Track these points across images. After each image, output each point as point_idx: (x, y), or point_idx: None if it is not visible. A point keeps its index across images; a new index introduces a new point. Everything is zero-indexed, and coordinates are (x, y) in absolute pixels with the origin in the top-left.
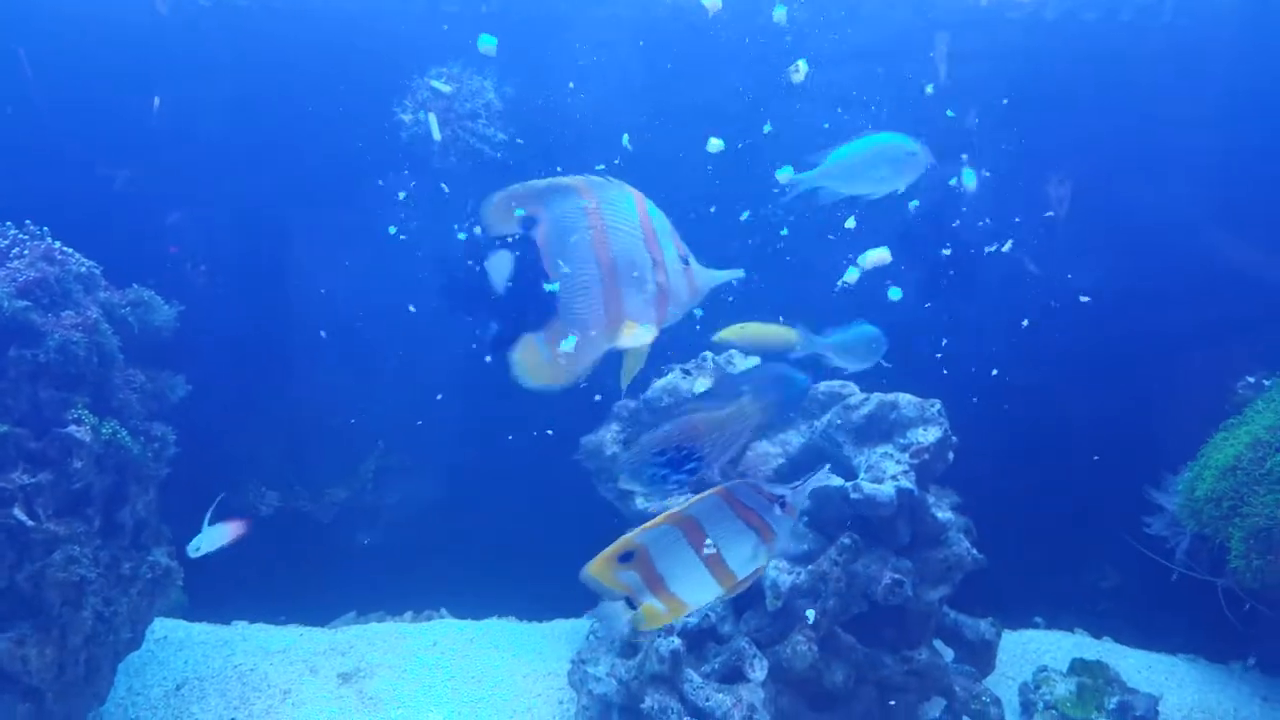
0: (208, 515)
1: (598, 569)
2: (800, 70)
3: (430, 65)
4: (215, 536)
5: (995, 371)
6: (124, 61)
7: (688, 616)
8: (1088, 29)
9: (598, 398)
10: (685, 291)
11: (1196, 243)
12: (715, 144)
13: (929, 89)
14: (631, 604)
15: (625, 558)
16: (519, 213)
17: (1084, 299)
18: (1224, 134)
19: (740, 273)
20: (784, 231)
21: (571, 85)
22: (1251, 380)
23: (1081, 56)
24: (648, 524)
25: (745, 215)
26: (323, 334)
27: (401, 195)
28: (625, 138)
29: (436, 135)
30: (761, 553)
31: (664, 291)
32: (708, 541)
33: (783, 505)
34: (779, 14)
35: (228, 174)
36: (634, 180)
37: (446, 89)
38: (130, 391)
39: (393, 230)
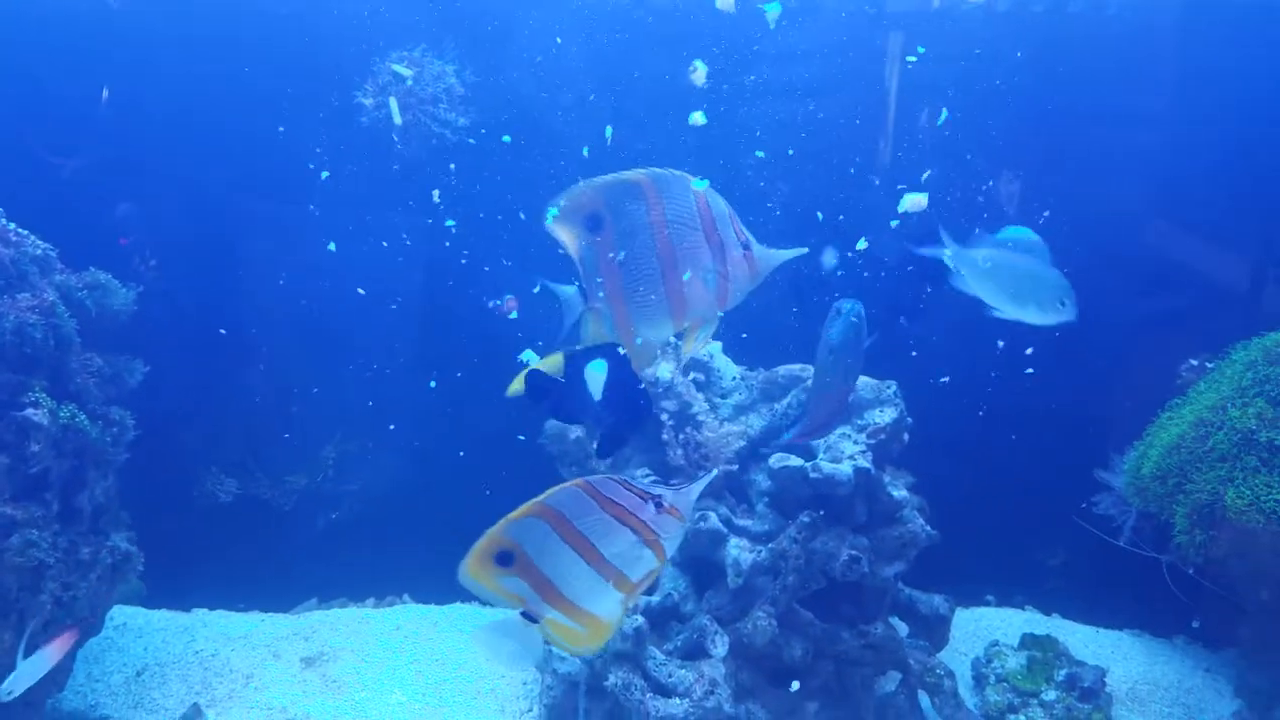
0: (21, 645)
1: (476, 572)
2: (699, 71)
3: (391, 49)
4: (35, 668)
5: (949, 354)
6: (81, 45)
7: (648, 598)
8: (1037, 20)
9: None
10: (745, 276)
11: (1141, 233)
12: (697, 118)
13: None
14: (530, 617)
15: (504, 560)
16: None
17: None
18: (1167, 126)
19: (803, 250)
20: None
21: (535, 68)
22: (1195, 363)
23: (1029, 49)
24: (510, 516)
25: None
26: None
27: (324, 175)
28: (608, 130)
29: (398, 119)
30: (647, 555)
31: (725, 280)
32: (580, 533)
33: (659, 505)
34: (772, 12)
35: (184, 161)
36: (599, 166)
37: (407, 73)
38: (88, 375)
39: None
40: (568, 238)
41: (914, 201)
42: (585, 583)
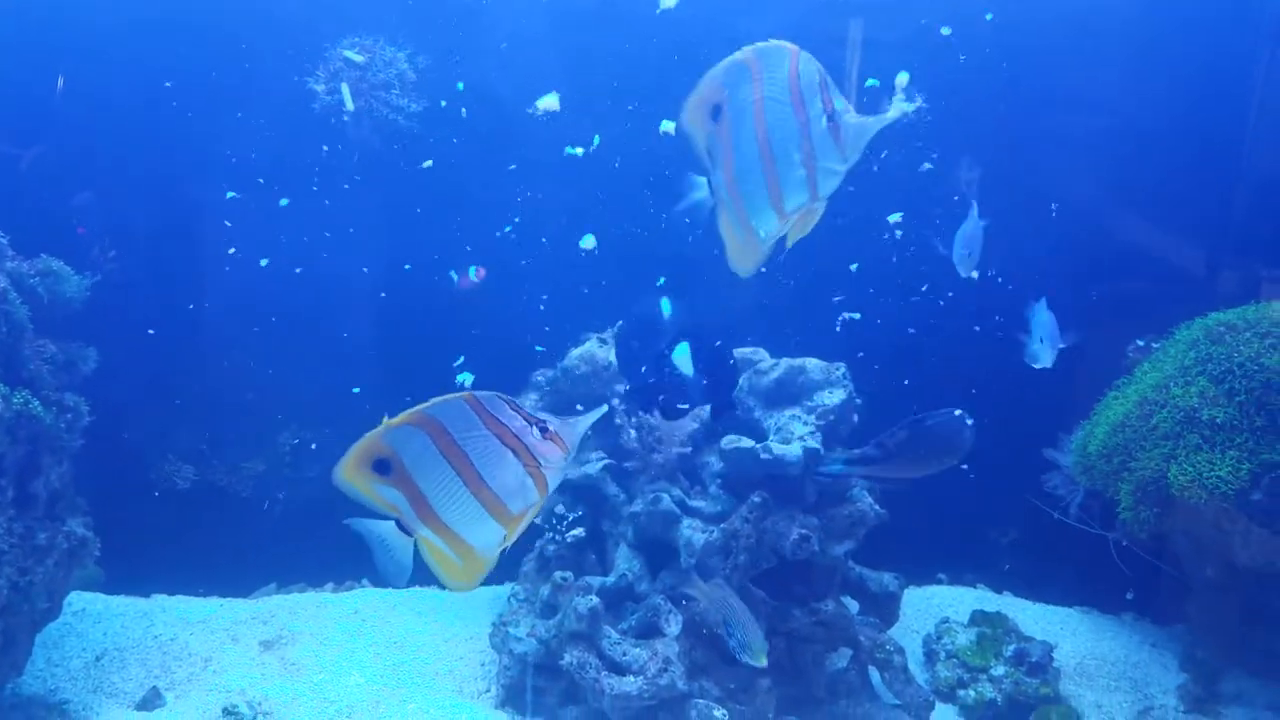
0: None
1: (351, 475)
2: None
3: (343, 35)
4: None
5: (899, 337)
6: (34, 33)
7: (603, 579)
8: (989, 7)
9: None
10: (834, 153)
11: (1091, 218)
12: (668, 126)
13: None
14: (403, 528)
15: (382, 468)
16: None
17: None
18: (1118, 114)
19: (908, 108)
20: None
21: (488, 54)
22: (1141, 344)
23: (982, 38)
24: (390, 421)
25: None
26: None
27: (284, 202)
28: (596, 139)
29: (350, 105)
30: (529, 485)
31: (810, 160)
32: (462, 450)
33: (544, 430)
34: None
35: (138, 149)
36: (550, 152)
37: (359, 59)
38: (41, 362)
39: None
40: (697, 131)
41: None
42: (461, 506)
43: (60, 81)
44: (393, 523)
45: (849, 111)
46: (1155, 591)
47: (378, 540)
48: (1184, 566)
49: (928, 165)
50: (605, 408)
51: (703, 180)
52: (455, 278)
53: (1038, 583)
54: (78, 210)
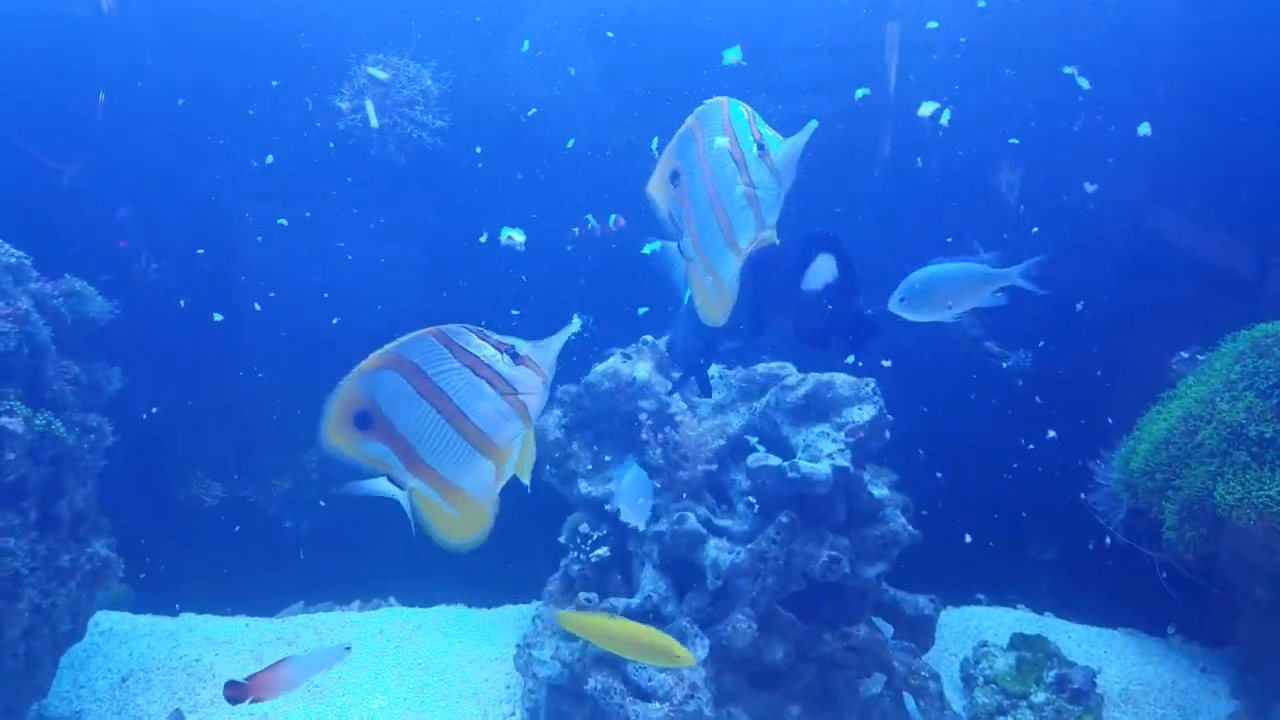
0: None
1: (335, 436)
2: None
3: (368, 52)
4: None
5: (932, 352)
6: (62, 55)
7: (628, 600)
8: (1029, 7)
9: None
10: (770, 179)
11: (1132, 223)
12: (733, 55)
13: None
14: (396, 482)
15: (363, 422)
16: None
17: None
18: (1161, 117)
19: (814, 124)
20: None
21: (510, 70)
22: (1185, 356)
23: (1021, 39)
24: (360, 367)
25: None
26: (258, 307)
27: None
28: (571, 142)
29: (374, 122)
30: (509, 413)
31: (751, 191)
32: (437, 387)
33: (515, 357)
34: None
35: (167, 167)
36: (576, 170)
37: (384, 76)
38: (64, 383)
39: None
40: (659, 199)
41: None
42: (448, 446)
43: (101, 97)
44: (384, 478)
45: (776, 137)
46: (1204, 612)
47: (378, 495)
48: (1233, 587)
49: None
50: (576, 324)
51: (673, 245)
52: (592, 223)
53: (1081, 603)
54: (118, 225)
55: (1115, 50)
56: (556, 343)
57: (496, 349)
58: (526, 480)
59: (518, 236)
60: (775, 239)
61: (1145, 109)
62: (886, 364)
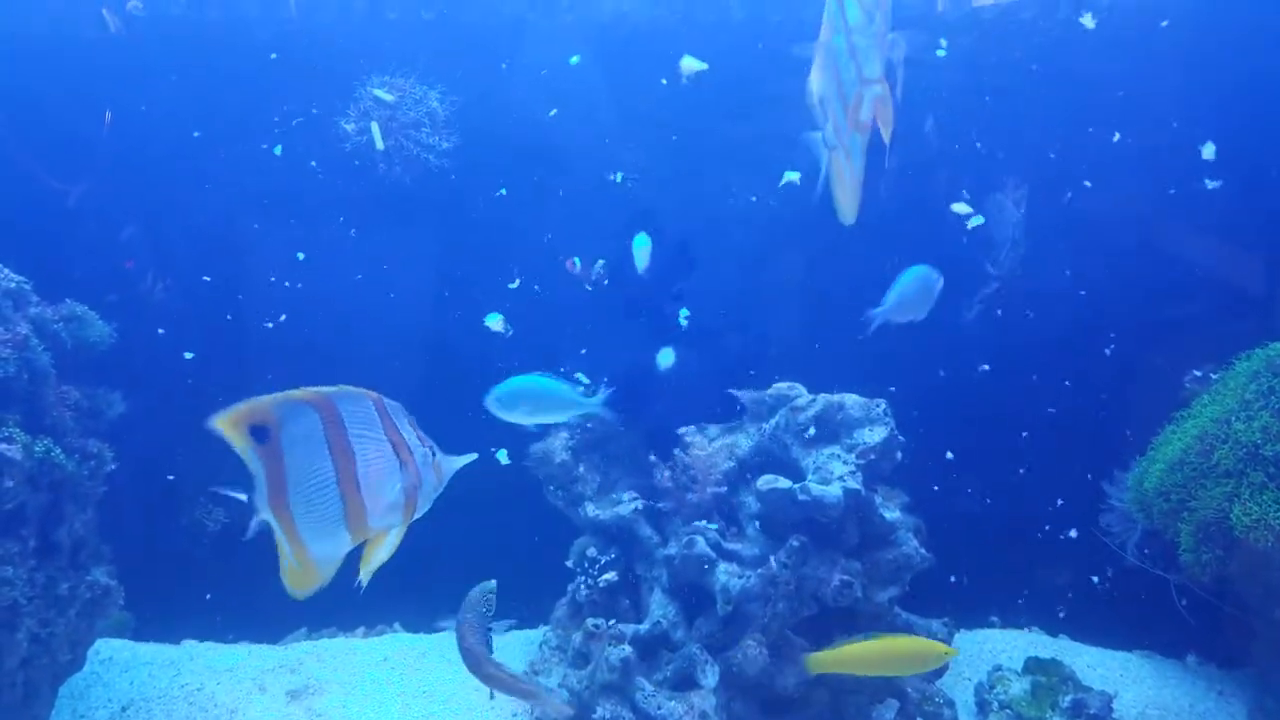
0: None
1: (225, 427)
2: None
3: (373, 74)
4: None
5: (943, 372)
6: (69, 76)
7: (636, 626)
8: (1026, 27)
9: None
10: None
11: (1142, 239)
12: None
13: None
14: (252, 502)
15: (259, 434)
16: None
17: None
18: (1170, 131)
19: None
20: None
21: (515, 90)
22: (1199, 374)
23: (1026, 56)
24: (290, 392)
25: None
26: (269, 323)
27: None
28: (619, 176)
29: (380, 144)
30: (399, 508)
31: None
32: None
33: (434, 454)
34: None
35: (172, 188)
36: (579, 192)
37: (389, 98)
38: (64, 409)
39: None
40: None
41: None
42: (321, 506)
43: (108, 117)
44: (246, 496)
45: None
46: (1220, 634)
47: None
48: (1250, 609)
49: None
50: (475, 455)
51: (817, 135)
52: (578, 264)
53: (1096, 625)
54: (124, 245)
55: (1125, 67)
56: (459, 462)
57: (420, 440)
58: (364, 580)
59: (496, 325)
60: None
61: (1153, 121)
62: (892, 389)
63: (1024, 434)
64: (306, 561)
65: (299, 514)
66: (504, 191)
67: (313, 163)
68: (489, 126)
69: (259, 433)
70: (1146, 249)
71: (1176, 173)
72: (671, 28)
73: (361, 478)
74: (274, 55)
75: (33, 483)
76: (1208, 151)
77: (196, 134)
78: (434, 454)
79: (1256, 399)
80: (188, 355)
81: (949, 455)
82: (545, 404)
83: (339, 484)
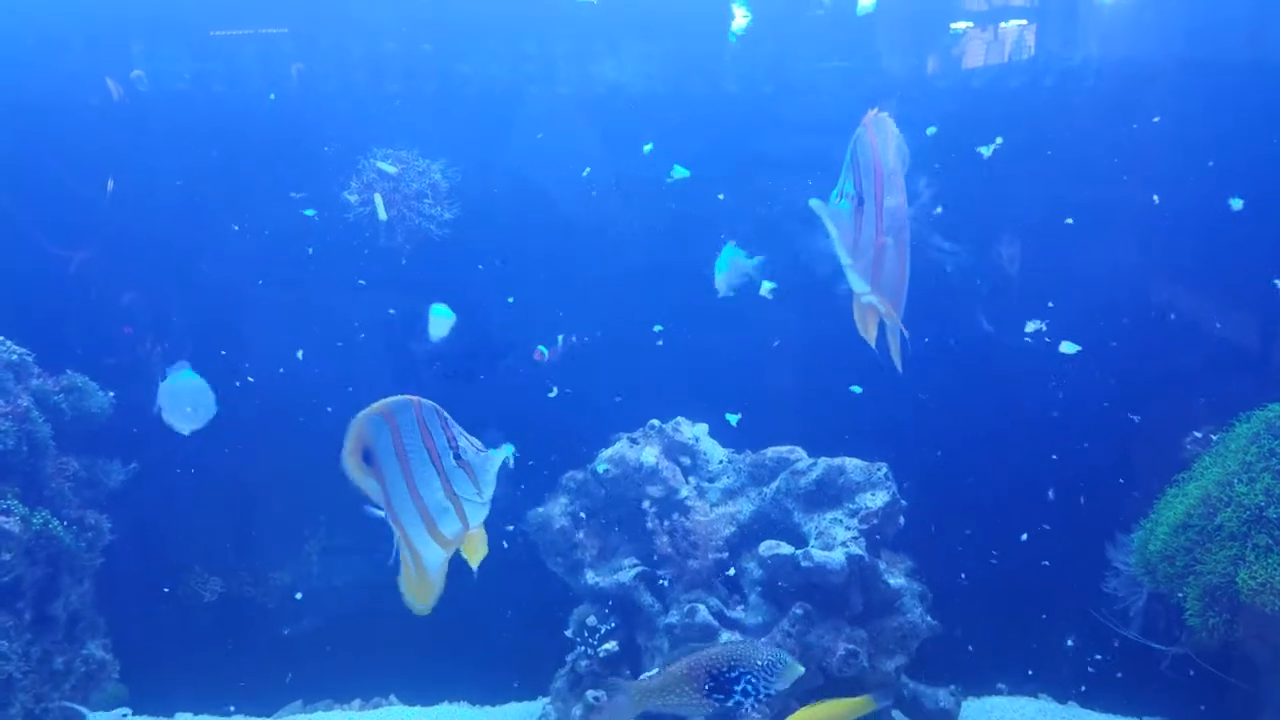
0: None
1: (350, 464)
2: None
3: (373, 146)
4: None
5: (947, 434)
6: (73, 145)
7: None
8: (1013, 95)
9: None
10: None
11: (1137, 302)
12: (680, 172)
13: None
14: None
15: (368, 458)
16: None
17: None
18: (1164, 192)
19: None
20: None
21: (515, 162)
22: (1199, 435)
23: (1028, 110)
24: (373, 408)
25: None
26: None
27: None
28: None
29: (383, 215)
30: (451, 512)
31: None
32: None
33: (457, 456)
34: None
35: (177, 255)
36: (579, 255)
37: (392, 170)
38: (63, 480)
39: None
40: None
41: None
42: (408, 513)
43: (110, 185)
44: (382, 512)
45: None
46: (1230, 701)
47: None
48: (1260, 675)
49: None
50: (509, 448)
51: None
52: (544, 352)
53: (1104, 691)
54: (124, 311)
55: (1118, 122)
56: (495, 459)
57: (448, 442)
58: (474, 565)
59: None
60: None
61: (1148, 182)
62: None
63: (1028, 498)
64: (422, 569)
65: (405, 521)
66: (504, 261)
67: (308, 248)
68: (489, 196)
69: (366, 455)
70: (1144, 310)
71: (1171, 233)
72: (665, 98)
73: (417, 483)
74: (272, 95)
75: (30, 555)
76: (1236, 204)
77: (196, 200)
78: (458, 456)
79: (1258, 461)
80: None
81: (952, 520)
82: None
83: (408, 490)
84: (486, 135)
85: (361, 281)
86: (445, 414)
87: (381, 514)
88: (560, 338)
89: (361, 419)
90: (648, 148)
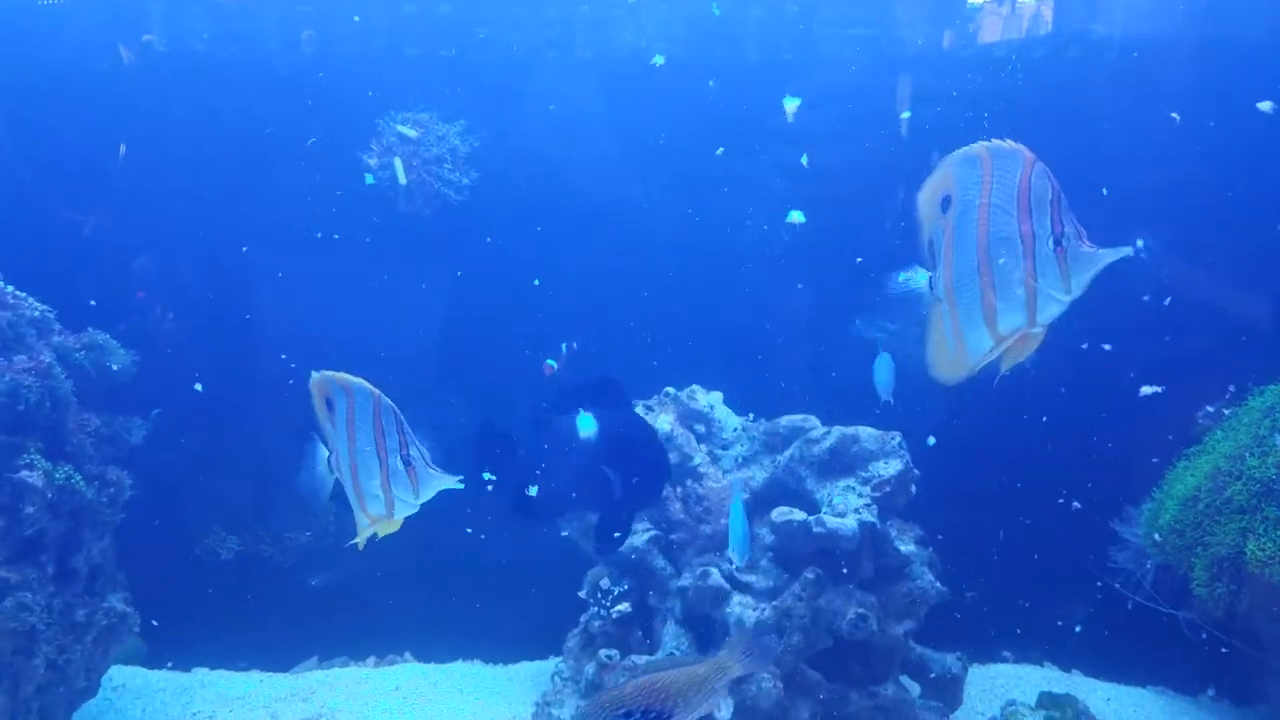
0: None
1: (315, 394)
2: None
3: (391, 110)
4: None
5: (958, 404)
6: (88, 107)
7: (650, 657)
8: (1036, 65)
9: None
10: (1057, 280)
11: (1153, 275)
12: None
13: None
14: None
15: (330, 407)
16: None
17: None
18: (1177, 168)
19: (1128, 250)
20: None
21: (534, 126)
22: (1211, 410)
23: (1034, 93)
24: (342, 376)
25: None
26: (291, 363)
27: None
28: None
29: (402, 179)
30: (380, 499)
31: (1031, 283)
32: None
33: (406, 462)
34: (791, 106)
35: (192, 219)
36: (597, 221)
37: (412, 134)
38: (85, 436)
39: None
40: (926, 219)
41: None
42: (347, 480)
43: (122, 149)
44: (329, 454)
45: (1081, 237)
46: (1234, 670)
47: (312, 458)
48: (1264, 644)
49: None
50: (459, 481)
51: (924, 274)
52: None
53: (1108, 660)
54: (134, 275)
55: (1127, 99)
56: (441, 481)
57: (400, 443)
58: (379, 537)
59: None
60: (1040, 341)
61: (1162, 158)
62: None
63: (1039, 470)
64: (370, 516)
65: (344, 479)
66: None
67: (338, 192)
68: (508, 161)
69: (329, 404)
70: (1156, 285)
71: (1186, 209)
72: (686, 64)
73: (358, 463)
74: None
75: (53, 509)
76: (1264, 106)
77: (212, 164)
78: (407, 462)
79: (1270, 434)
80: (198, 387)
81: (962, 489)
82: None
83: (348, 460)
84: (504, 100)
85: (377, 245)
86: (403, 418)
87: (327, 453)
88: (564, 345)
89: (325, 377)
90: (658, 59)
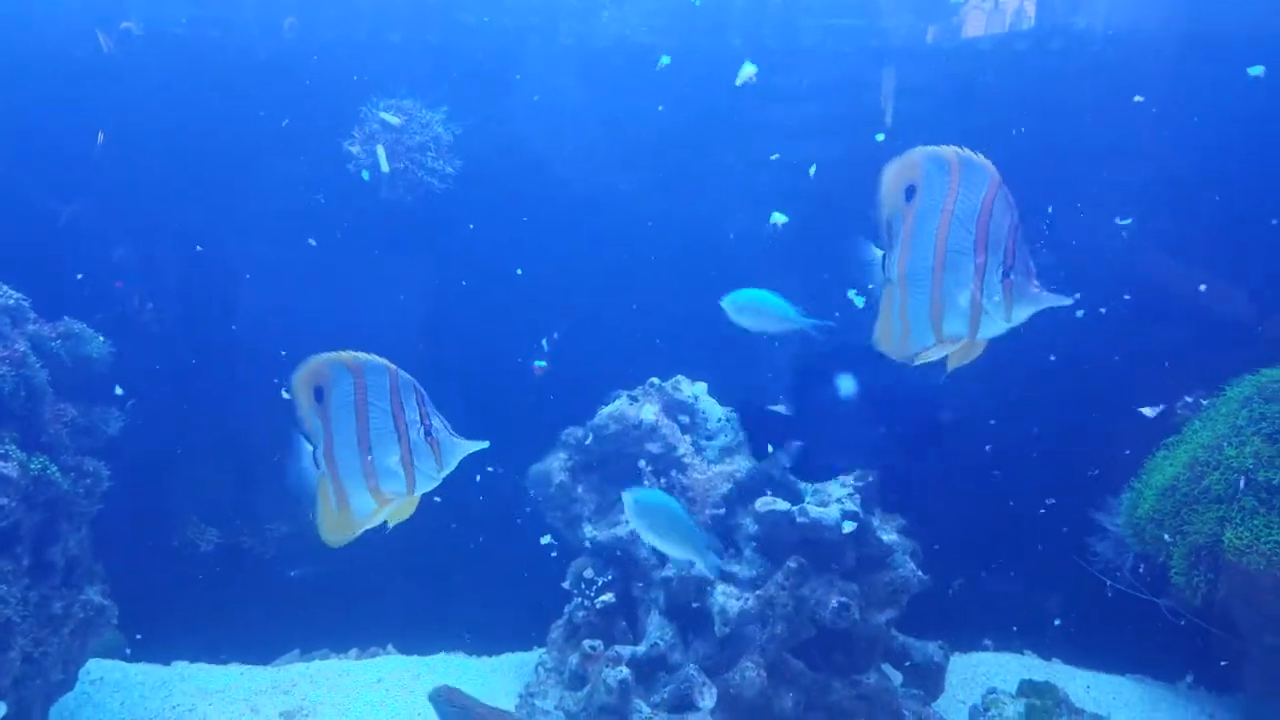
0: None
1: (298, 390)
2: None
3: (374, 97)
4: None
5: (939, 396)
6: (65, 94)
7: (634, 648)
8: (1019, 58)
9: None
10: (1000, 307)
11: (1132, 266)
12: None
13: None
14: (317, 461)
15: (318, 395)
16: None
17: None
18: (1158, 160)
19: (1068, 300)
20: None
21: (517, 115)
22: (1190, 400)
23: (1016, 86)
24: (339, 355)
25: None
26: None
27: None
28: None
29: (385, 167)
30: (400, 478)
31: (977, 298)
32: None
33: (428, 432)
34: (746, 72)
35: (170, 207)
36: (581, 210)
37: (396, 121)
38: (61, 426)
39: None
40: (887, 201)
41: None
42: (351, 463)
43: (100, 137)
44: (312, 451)
45: (1030, 275)
46: (1212, 658)
47: (297, 455)
48: (1242, 632)
49: None
50: (486, 443)
51: (878, 252)
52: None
53: (1088, 649)
54: (112, 264)
55: (1108, 91)
56: (464, 447)
57: (420, 416)
58: (391, 525)
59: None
60: (980, 352)
61: (1142, 150)
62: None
63: (1019, 460)
64: (347, 512)
65: (342, 467)
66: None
67: (320, 180)
68: (491, 150)
69: (318, 393)
70: (1135, 276)
71: (1168, 202)
72: (669, 52)
73: (372, 444)
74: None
75: (28, 500)
76: (1256, 70)
77: (190, 152)
78: (429, 433)
79: (1248, 425)
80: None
81: (944, 480)
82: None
83: (358, 444)
84: (488, 88)
85: (360, 233)
86: (422, 391)
87: (309, 448)
88: (544, 341)
89: (322, 359)
90: (664, 60)
